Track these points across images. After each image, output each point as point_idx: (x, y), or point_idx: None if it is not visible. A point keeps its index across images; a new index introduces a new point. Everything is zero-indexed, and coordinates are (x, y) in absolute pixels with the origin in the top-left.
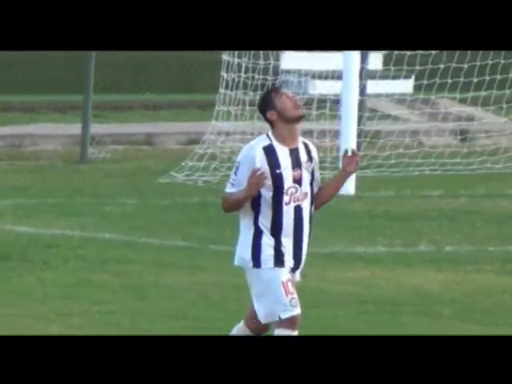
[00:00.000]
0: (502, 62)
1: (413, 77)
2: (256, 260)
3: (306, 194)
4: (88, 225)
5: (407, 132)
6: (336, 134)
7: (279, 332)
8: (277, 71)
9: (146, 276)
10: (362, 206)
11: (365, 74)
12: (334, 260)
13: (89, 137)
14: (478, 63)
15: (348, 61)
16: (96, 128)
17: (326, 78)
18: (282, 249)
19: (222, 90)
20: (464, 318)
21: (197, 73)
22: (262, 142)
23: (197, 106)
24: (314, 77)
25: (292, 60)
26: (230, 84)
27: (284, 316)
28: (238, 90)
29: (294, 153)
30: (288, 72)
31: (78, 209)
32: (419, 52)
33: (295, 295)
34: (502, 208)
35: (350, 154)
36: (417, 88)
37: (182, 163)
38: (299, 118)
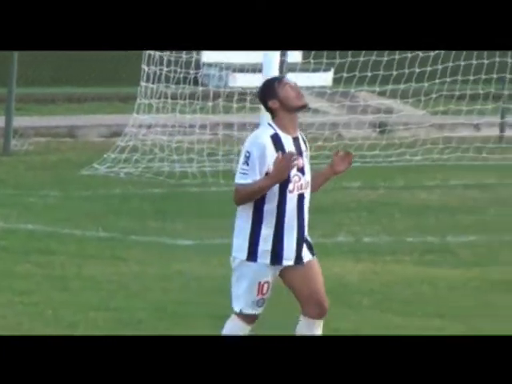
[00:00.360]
0: (421, 54)
1: (332, 70)
2: (252, 253)
3: (308, 182)
4: (11, 216)
5: (327, 124)
6: (256, 127)
7: (234, 322)
8: (198, 65)
9: (69, 267)
10: None
11: (285, 68)
12: None
13: (12, 129)
14: (397, 56)
15: (268, 54)
16: (19, 121)
17: (247, 71)
18: (282, 241)
19: (143, 83)
20: (383, 308)
21: (120, 65)
22: (266, 130)
23: (119, 99)
24: (234, 70)
25: (213, 54)
26: (151, 77)
27: (245, 311)
28: (159, 83)
29: (296, 142)
30: (209, 65)
31: (0, 200)
32: None
33: (265, 297)
34: (420, 199)
35: (342, 154)
36: (336, 81)
37: (104, 155)
38: (302, 108)
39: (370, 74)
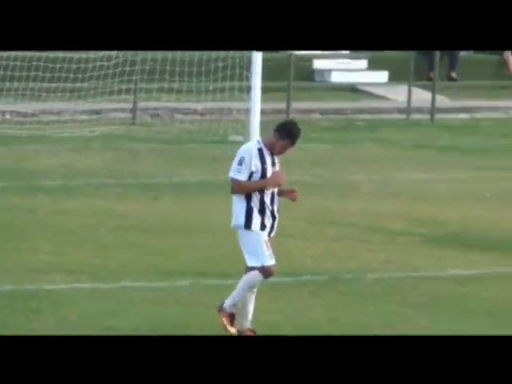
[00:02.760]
0: None
1: None
2: (248, 225)
3: None
4: None
5: None
6: None
7: (254, 275)
8: None
9: None
10: None
11: None
12: None
13: None
14: None
15: None
16: None
17: None
18: (264, 218)
19: None
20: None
21: None
22: (256, 145)
23: None
24: None
25: None
26: None
27: (266, 264)
28: None
29: (272, 156)
30: None
31: None
32: None
33: (271, 251)
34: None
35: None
36: None
37: None
38: (282, 153)
39: None
